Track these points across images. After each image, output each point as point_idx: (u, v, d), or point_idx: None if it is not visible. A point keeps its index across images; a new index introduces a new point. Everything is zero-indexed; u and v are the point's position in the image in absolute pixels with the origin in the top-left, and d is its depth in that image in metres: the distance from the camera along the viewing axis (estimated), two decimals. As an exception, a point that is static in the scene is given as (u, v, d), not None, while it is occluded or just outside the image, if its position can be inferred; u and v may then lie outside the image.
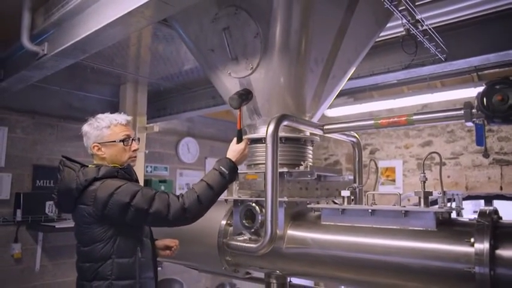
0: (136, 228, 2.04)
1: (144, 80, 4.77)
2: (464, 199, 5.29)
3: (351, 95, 5.78)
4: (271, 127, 1.91)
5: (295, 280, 2.42)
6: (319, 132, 2.26)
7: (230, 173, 2.00)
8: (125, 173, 2.06)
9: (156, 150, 5.89)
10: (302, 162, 2.20)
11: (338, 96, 5.62)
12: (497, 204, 5.13)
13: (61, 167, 2.04)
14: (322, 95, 2.39)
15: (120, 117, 2.13)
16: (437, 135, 5.66)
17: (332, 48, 2.32)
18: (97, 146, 2.08)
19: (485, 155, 5.06)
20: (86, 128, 2.12)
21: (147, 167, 5.60)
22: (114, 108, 4.95)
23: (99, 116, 2.13)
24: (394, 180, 6.01)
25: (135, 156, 2.18)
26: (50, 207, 4.60)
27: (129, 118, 2.20)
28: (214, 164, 2.04)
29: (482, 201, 5.10)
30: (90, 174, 1.95)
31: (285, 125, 2.01)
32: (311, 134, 2.36)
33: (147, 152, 5.02)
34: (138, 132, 4.87)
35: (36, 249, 4.58)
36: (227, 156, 2.07)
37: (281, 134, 2.18)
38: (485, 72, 4.21)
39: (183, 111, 5.00)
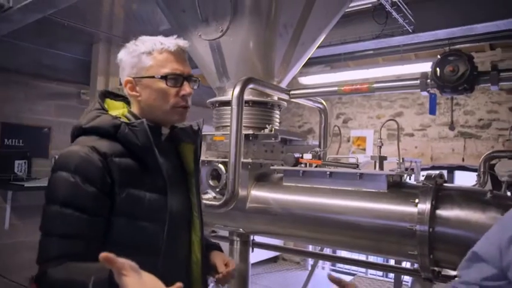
0: None
1: (117, 39, 4.67)
2: (428, 169, 5.52)
3: (327, 63, 5.84)
4: (237, 90, 1.96)
5: (258, 238, 2.53)
6: (285, 96, 2.32)
7: None
8: (135, 135, 1.21)
9: (130, 112, 5.85)
10: (268, 126, 2.27)
11: (315, 64, 5.72)
12: (459, 175, 5.39)
13: None
14: (290, 61, 2.44)
15: (169, 41, 1.30)
16: (409, 106, 5.81)
17: (302, 15, 2.35)
18: (130, 83, 1.30)
19: (451, 127, 5.27)
20: (120, 54, 1.34)
21: (120, 128, 5.57)
22: (86, 68, 4.87)
23: (142, 37, 1.34)
24: (364, 149, 6.18)
25: (185, 106, 1.33)
26: (19, 166, 4.57)
27: (182, 44, 1.33)
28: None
29: (445, 172, 5.33)
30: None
31: (251, 88, 2.06)
32: (279, 98, 2.42)
33: (120, 113, 4.98)
34: (111, 93, 4.80)
35: (6, 208, 4.57)
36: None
37: (248, 97, 2.23)
38: (457, 46, 4.31)
39: (157, 73, 4.93)
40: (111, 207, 1.15)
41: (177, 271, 0.99)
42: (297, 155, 2.15)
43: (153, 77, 1.27)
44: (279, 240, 3.97)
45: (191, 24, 2.36)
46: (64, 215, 1.11)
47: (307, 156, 2.20)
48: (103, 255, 0.88)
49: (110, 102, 1.36)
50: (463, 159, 5.15)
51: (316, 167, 2.13)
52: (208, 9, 2.25)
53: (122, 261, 0.90)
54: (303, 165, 2.16)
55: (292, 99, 2.37)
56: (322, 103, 2.67)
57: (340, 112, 6.46)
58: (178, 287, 0.92)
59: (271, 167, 2.24)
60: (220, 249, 1.53)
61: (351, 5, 2.85)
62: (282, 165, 2.20)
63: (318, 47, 2.69)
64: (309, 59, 2.66)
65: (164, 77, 1.27)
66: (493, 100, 5.02)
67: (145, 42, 1.30)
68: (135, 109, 1.33)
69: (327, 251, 4.27)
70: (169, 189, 1.24)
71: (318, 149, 2.33)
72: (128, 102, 1.37)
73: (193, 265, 1.35)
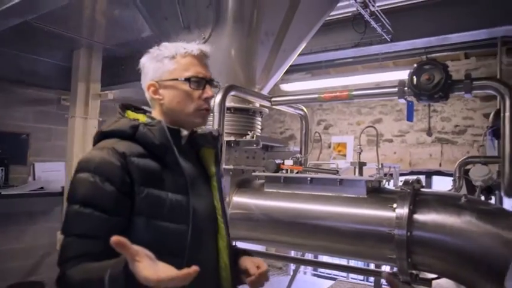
0: None
1: (98, 45, 4.64)
2: (407, 174, 5.60)
3: (308, 71, 5.91)
4: (219, 97, 1.98)
5: (240, 244, 2.54)
6: (267, 103, 2.35)
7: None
8: (153, 134, 1.22)
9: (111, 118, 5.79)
10: (249, 132, 2.29)
11: (296, 71, 5.77)
12: (437, 179, 5.50)
13: None
14: (272, 68, 2.48)
15: (192, 46, 1.34)
16: (388, 113, 5.92)
17: (283, 23, 2.40)
18: (153, 86, 1.31)
19: (429, 133, 5.39)
20: (143, 59, 1.37)
21: (101, 135, 5.52)
22: (67, 73, 4.81)
23: (165, 43, 1.38)
24: (345, 155, 6.26)
25: (207, 109, 1.35)
26: (-4, 173, 4.48)
27: (205, 49, 1.36)
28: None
29: (423, 177, 5.44)
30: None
31: (232, 95, 2.08)
32: (260, 105, 2.45)
33: (101, 119, 4.94)
34: (91, 99, 4.76)
35: (-19, 216, 4.47)
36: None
37: (230, 104, 2.25)
38: (434, 55, 4.43)
39: (139, 79, 4.89)
40: (132, 207, 1.15)
41: (205, 276, 0.97)
42: (278, 161, 2.18)
43: (177, 79, 1.29)
44: (261, 246, 3.98)
45: (173, 31, 2.38)
46: (83, 215, 1.11)
47: (289, 162, 2.23)
48: (114, 238, 0.87)
49: (131, 114, 1.35)
50: (440, 165, 5.26)
51: (297, 173, 2.16)
52: (191, 17, 2.27)
53: (136, 248, 0.90)
54: (284, 171, 2.19)
55: (274, 106, 2.40)
56: (303, 110, 2.71)
57: (321, 118, 6.53)
58: (195, 270, 0.91)
59: (253, 173, 2.26)
60: (248, 253, 1.48)
61: (331, 13, 2.91)
62: (264, 171, 2.23)
63: (299, 55, 2.74)
64: (290, 66, 2.70)
65: (188, 79, 1.30)
66: (468, 107, 5.16)
67: (168, 47, 1.33)
68: (156, 113, 1.34)
69: (309, 256, 4.30)
70: (192, 191, 1.23)
71: (299, 155, 2.36)
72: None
73: (222, 271, 1.32)
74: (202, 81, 1.31)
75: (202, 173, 1.38)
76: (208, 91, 1.33)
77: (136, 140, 1.21)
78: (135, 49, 4.64)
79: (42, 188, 4.79)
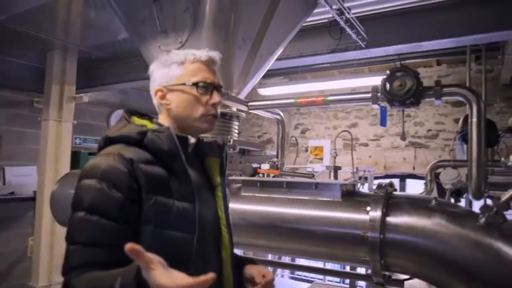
0: None
1: (73, 47, 4.56)
2: (382, 177, 5.72)
3: (285, 75, 5.98)
4: (196, 101, 1.98)
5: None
6: (244, 108, 2.37)
7: None
8: (161, 140, 1.20)
9: (86, 121, 5.69)
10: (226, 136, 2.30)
11: (274, 76, 5.80)
12: (410, 182, 5.64)
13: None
14: (249, 72, 2.50)
15: (201, 52, 1.33)
16: (363, 117, 6.03)
17: (260, 28, 2.42)
18: (161, 91, 1.31)
19: (403, 137, 5.52)
20: (152, 66, 1.36)
21: (75, 138, 5.42)
22: (40, 75, 4.71)
23: (174, 50, 1.39)
24: (322, 159, 6.33)
25: (215, 115, 1.33)
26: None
27: (214, 55, 1.35)
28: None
29: (397, 180, 5.57)
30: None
31: (209, 100, 2.08)
32: (237, 109, 2.46)
33: (75, 122, 4.85)
34: (65, 102, 4.67)
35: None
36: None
37: (207, 108, 2.25)
38: (407, 61, 4.55)
39: (115, 82, 4.85)
40: (139, 214, 1.12)
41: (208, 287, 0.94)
42: (255, 165, 2.19)
43: (184, 84, 1.28)
44: (238, 250, 3.98)
45: (150, 35, 2.37)
46: (89, 222, 1.07)
47: (265, 166, 2.25)
48: (130, 246, 0.85)
49: (136, 120, 1.33)
50: (413, 168, 5.40)
51: (273, 177, 2.18)
52: (168, 21, 2.26)
53: (151, 255, 0.89)
54: (260, 175, 2.21)
55: (251, 111, 2.42)
56: (279, 114, 2.74)
57: (298, 123, 6.59)
58: (212, 277, 0.89)
59: (230, 178, 2.26)
60: (253, 262, 1.46)
61: (308, 19, 2.96)
62: (240, 175, 2.24)
63: (277, 60, 2.77)
64: (267, 70, 2.72)
65: (195, 84, 1.28)
66: (440, 112, 5.32)
67: (178, 54, 1.32)
68: (163, 119, 1.33)
69: (286, 259, 4.33)
70: (198, 199, 1.22)
71: (275, 159, 2.39)
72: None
73: (225, 282, 1.31)
74: (210, 87, 1.30)
75: (207, 182, 1.37)
76: (216, 97, 1.31)
77: (143, 146, 1.19)
78: (111, 51, 4.59)
79: (13, 192, 4.67)
